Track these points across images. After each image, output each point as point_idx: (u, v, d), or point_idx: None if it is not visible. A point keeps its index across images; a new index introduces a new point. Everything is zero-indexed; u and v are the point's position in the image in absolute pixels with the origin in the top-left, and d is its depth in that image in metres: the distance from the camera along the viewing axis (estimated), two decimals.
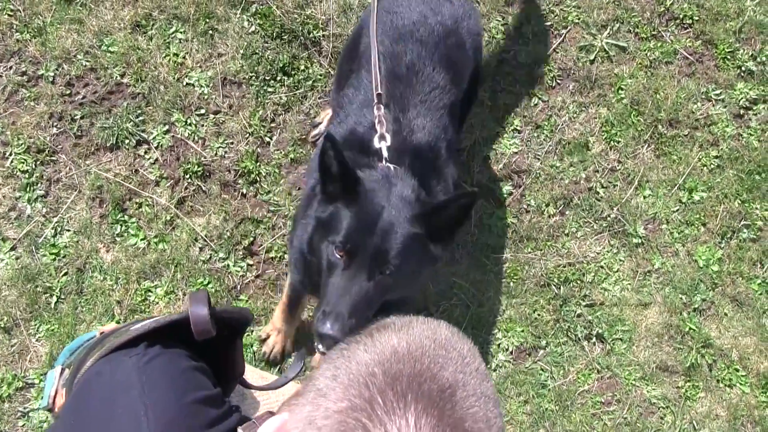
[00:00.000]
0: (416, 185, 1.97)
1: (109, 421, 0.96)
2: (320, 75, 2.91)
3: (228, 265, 2.71)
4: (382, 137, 2.03)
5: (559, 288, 2.87)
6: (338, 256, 1.83)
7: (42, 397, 1.29)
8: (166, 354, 1.04)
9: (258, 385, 1.33)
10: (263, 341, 2.67)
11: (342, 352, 0.82)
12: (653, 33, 3.09)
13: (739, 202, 3.02)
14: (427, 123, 2.14)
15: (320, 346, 1.83)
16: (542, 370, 2.82)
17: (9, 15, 2.79)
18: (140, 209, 2.73)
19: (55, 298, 2.62)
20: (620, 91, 3.03)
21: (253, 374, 1.43)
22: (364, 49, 2.26)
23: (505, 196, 2.92)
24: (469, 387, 0.78)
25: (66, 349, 1.20)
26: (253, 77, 2.86)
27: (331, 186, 1.87)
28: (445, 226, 1.89)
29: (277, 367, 2.67)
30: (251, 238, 2.74)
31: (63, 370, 1.16)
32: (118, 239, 2.70)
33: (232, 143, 2.81)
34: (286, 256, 2.72)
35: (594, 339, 2.87)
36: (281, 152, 2.83)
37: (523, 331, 2.82)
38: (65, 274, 2.65)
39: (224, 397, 1.08)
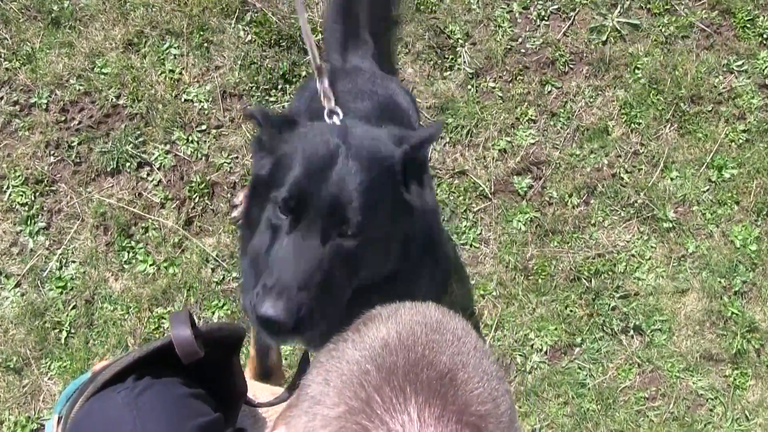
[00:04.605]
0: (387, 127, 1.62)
1: None
2: None
3: None
4: (332, 113, 1.65)
5: (590, 281, 2.74)
6: (282, 217, 1.42)
7: None
8: (157, 384, 0.99)
9: (266, 402, 1.24)
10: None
11: (330, 353, 0.78)
12: (666, 7, 2.97)
13: None
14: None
15: (266, 335, 1.44)
16: (580, 368, 2.69)
17: None
18: (147, 234, 2.62)
19: (65, 333, 2.52)
20: (637, 71, 2.91)
21: (263, 391, 1.33)
22: None
23: (526, 189, 2.79)
24: (469, 368, 0.74)
25: (62, 395, 1.14)
26: (254, 88, 2.75)
27: (266, 138, 1.53)
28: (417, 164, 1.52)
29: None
30: None
31: (60, 418, 1.09)
32: (126, 267, 2.59)
33: (236, 158, 2.71)
34: None
35: (631, 332, 2.74)
36: None
37: (556, 329, 2.70)
38: (74, 307, 2.55)
39: (227, 423, 1.03)
